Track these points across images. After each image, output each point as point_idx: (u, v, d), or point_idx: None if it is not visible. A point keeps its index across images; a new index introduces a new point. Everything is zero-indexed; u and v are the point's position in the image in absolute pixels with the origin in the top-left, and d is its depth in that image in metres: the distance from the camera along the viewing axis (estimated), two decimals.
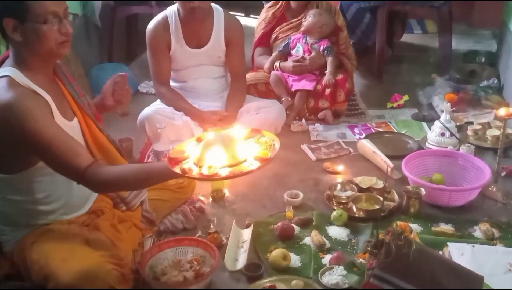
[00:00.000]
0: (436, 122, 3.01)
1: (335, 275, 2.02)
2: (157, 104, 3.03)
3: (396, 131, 3.30)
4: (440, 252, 2.09)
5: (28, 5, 1.73)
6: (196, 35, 2.99)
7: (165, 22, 2.96)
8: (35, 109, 1.72)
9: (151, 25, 2.99)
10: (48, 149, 1.73)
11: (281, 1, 3.56)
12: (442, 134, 2.94)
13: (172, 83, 3.11)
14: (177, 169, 1.71)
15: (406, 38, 4.94)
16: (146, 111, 2.95)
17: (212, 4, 3.01)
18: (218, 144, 1.71)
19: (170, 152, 1.83)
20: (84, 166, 1.76)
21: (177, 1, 2.90)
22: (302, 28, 3.43)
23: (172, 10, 2.98)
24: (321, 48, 3.41)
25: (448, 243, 2.12)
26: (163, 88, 3.02)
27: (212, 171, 1.66)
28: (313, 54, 3.41)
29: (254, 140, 1.85)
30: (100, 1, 3.92)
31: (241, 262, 2.12)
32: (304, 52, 3.43)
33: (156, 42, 2.96)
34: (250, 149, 1.77)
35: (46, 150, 1.74)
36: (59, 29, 1.79)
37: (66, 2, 1.84)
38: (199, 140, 1.85)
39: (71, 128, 1.90)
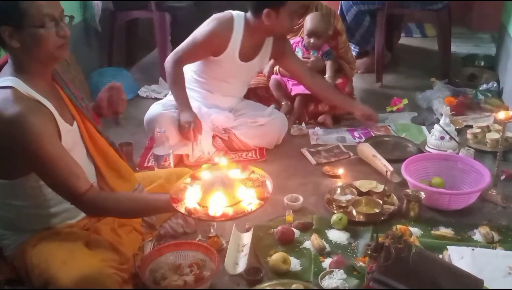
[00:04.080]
0: (436, 126, 3.01)
1: (335, 279, 2.01)
2: (164, 103, 2.99)
3: (395, 134, 3.30)
4: (440, 256, 2.09)
5: (23, 10, 1.72)
6: (250, 49, 2.91)
7: (230, 28, 2.82)
8: (41, 126, 1.72)
9: (216, 21, 2.81)
10: (49, 169, 1.75)
11: None
12: (442, 138, 2.95)
13: (197, 88, 3.03)
14: (181, 208, 1.80)
15: (405, 41, 4.96)
16: (155, 111, 2.88)
17: None
18: (219, 185, 1.82)
19: (170, 191, 1.88)
20: (83, 190, 1.78)
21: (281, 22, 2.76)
22: (309, 47, 3.42)
23: (240, 17, 2.85)
24: (321, 52, 3.42)
25: (448, 247, 2.13)
26: (176, 67, 2.86)
27: (218, 213, 1.77)
28: (312, 58, 3.42)
29: (245, 177, 1.97)
30: (100, 6, 3.93)
31: (241, 266, 2.12)
32: (302, 56, 3.44)
33: (212, 38, 2.81)
34: (245, 189, 1.89)
35: (47, 169, 1.75)
36: (57, 32, 1.78)
37: (64, 5, 1.85)
38: (193, 177, 1.97)
39: (72, 132, 1.91)
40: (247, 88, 3.19)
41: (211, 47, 2.85)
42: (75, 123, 1.95)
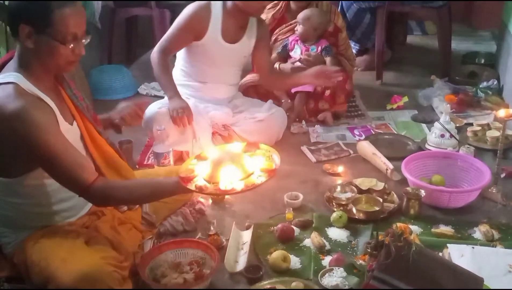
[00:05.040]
0: (436, 124, 3.01)
1: (335, 277, 2.02)
2: (163, 102, 2.99)
3: (395, 132, 3.30)
4: (440, 254, 2.10)
5: (52, 21, 1.71)
6: (232, 31, 2.93)
7: (207, 10, 2.88)
8: (44, 120, 1.72)
9: (194, 6, 2.87)
10: (55, 162, 1.74)
11: (281, 3, 3.57)
12: (442, 136, 2.95)
13: (189, 82, 3.02)
14: (191, 186, 1.81)
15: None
16: (152, 110, 2.86)
17: None
18: (228, 161, 1.83)
19: (179, 171, 1.89)
20: (90, 180, 1.78)
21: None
22: (297, 36, 3.42)
23: (219, 3, 2.89)
24: (319, 48, 3.41)
25: (448, 245, 2.12)
26: (161, 56, 2.88)
27: (229, 187, 1.78)
28: (313, 54, 3.41)
29: (251, 154, 1.97)
30: (100, 4, 3.93)
31: (241, 264, 2.12)
32: (301, 53, 3.43)
33: (191, 21, 2.86)
34: (254, 162, 1.90)
35: (52, 162, 1.74)
36: (73, 50, 1.79)
37: None
38: (199, 157, 1.97)
39: (71, 132, 1.91)
40: (240, 74, 3.15)
41: (192, 30, 2.88)
42: (74, 123, 1.95)
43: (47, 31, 1.73)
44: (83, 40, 1.82)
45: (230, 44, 2.93)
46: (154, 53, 2.89)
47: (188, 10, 2.89)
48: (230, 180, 1.80)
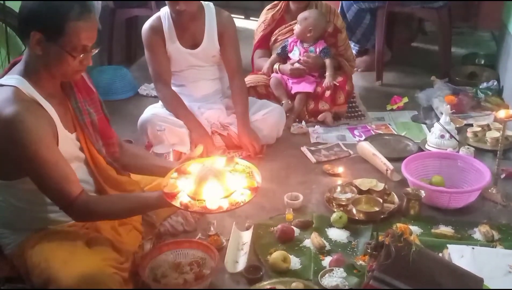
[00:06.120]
0: (436, 124, 3.01)
1: (335, 277, 2.02)
2: (158, 106, 3.01)
3: (395, 133, 3.30)
4: (440, 254, 2.10)
5: (65, 31, 1.71)
6: (190, 35, 2.93)
7: (159, 23, 2.91)
8: (37, 127, 1.70)
9: (146, 26, 2.95)
10: (42, 171, 1.73)
11: (280, 4, 3.57)
12: (442, 136, 2.95)
13: (171, 87, 3.06)
14: (176, 203, 1.80)
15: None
16: (147, 113, 2.91)
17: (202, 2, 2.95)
18: (212, 178, 1.83)
19: (162, 185, 1.89)
20: (75, 195, 1.77)
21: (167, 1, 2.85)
22: (295, 36, 3.43)
23: (165, 10, 2.93)
24: (317, 50, 3.42)
25: (448, 245, 2.13)
26: (166, 91, 2.95)
27: (215, 205, 1.78)
28: (312, 55, 3.41)
29: (230, 169, 1.97)
30: (100, 4, 3.93)
31: (241, 264, 2.12)
32: (300, 54, 3.43)
33: (152, 41, 2.92)
34: (236, 180, 1.91)
35: (39, 171, 1.73)
36: (81, 60, 1.79)
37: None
38: (179, 171, 1.96)
39: (72, 140, 1.90)
40: (218, 68, 3.08)
41: (157, 45, 2.92)
42: (74, 134, 1.93)
43: (58, 40, 1.72)
44: (92, 51, 1.82)
45: (191, 50, 2.95)
46: (157, 90, 3.00)
47: (144, 30, 2.96)
48: (215, 198, 1.79)
